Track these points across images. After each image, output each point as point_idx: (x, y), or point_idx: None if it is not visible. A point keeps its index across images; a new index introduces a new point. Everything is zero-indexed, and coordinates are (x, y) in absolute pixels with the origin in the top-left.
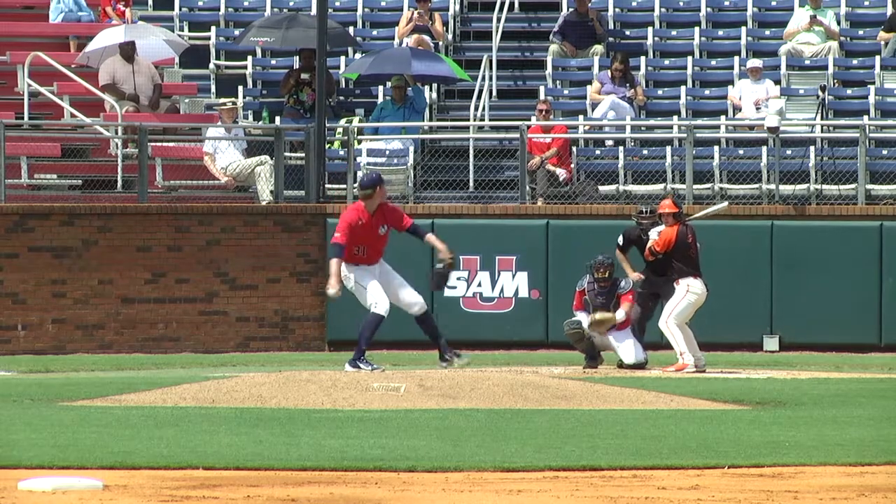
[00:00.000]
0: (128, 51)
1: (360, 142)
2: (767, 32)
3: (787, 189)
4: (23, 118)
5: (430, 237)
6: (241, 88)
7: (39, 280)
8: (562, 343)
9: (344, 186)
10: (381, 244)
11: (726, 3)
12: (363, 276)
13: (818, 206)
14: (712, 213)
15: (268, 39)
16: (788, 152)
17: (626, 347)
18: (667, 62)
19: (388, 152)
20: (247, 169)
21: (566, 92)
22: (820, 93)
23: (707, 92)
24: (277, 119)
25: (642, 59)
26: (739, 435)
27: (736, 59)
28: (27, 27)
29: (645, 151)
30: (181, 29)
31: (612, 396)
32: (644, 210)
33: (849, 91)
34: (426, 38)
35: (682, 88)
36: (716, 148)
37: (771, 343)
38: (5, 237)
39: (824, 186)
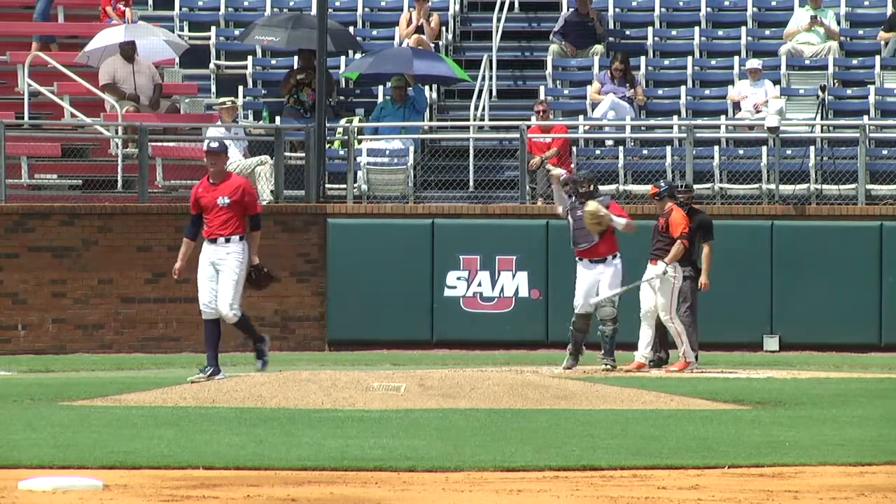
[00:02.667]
0: (128, 51)
1: (360, 142)
2: (767, 32)
3: (787, 189)
4: (23, 118)
5: (253, 236)
6: (241, 88)
7: (39, 280)
8: (562, 343)
9: (344, 186)
10: (220, 217)
11: (726, 3)
12: (200, 263)
13: (818, 206)
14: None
15: (273, 38)
16: (788, 152)
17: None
18: (667, 62)
19: (388, 152)
20: (247, 169)
21: (566, 92)
22: (820, 93)
23: (707, 92)
24: (277, 119)
25: (642, 59)
26: (739, 435)
27: (736, 59)
28: (27, 27)
29: (645, 151)
30: (181, 29)
31: (612, 396)
32: (681, 185)
33: (849, 91)
34: (426, 38)
35: (682, 88)
36: (716, 148)
37: (771, 343)
38: (5, 237)
39: (824, 186)
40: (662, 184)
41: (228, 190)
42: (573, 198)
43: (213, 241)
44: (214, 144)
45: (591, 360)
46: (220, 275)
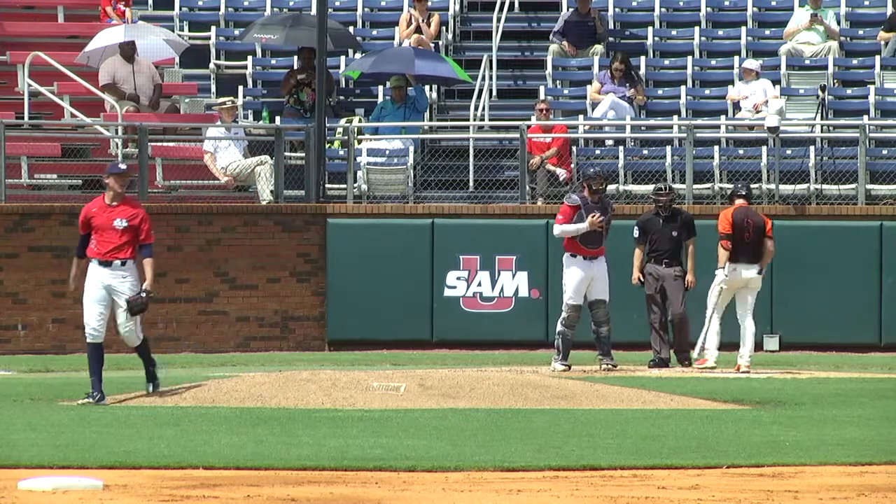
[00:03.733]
0: (128, 51)
1: (360, 142)
2: (767, 32)
3: (787, 189)
4: (23, 118)
5: (146, 262)
6: (241, 88)
7: (39, 280)
8: None
9: (344, 186)
10: (114, 239)
11: (726, 3)
12: (89, 284)
13: (818, 206)
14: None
15: (272, 37)
16: (788, 152)
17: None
18: (667, 62)
19: (388, 152)
20: (247, 169)
21: (566, 92)
22: (820, 93)
23: (707, 92)
24: (277, 119)
25: (642, 58)
26: (739, 435)
27: (736, 59)
28: (27, 27)
29: (645, 151)
30: (181, 29)
31: (612, 396)
32: (662, 188)
33: (849, 91)
34: (425, 38)
35: (682, 88)
36: (716, 148)
37: (771, 343)
38: (5, 237)
39: (824, 186)
40: (738, 186)
41: (127, 214)
42: (586, 198)
43: (108, 263)
44: (123, 166)
45: (591, 361)
46: (118, 299)
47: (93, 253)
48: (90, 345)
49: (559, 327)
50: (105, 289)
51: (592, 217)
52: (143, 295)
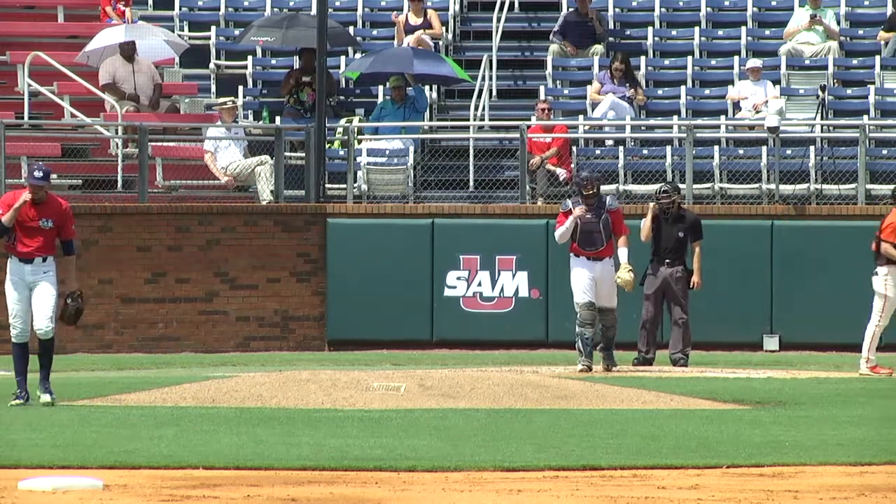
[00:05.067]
0: (128, 51)
1: (360, 142)
2: (767, 32)
3: (787, 189)
4: (23, 118)
5: (69, 261)
6: (241, 88)
7: None
8: (562, 343)
9: (344, 186)
10: (39, 238)
11: (726, 3)
12: (11, 284)
13: (818, 206)
14: None
15: (268, 39)
16: (788, 152)
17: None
18: (667, 62)
19: (388, 152)
20: (247, 169)
21: (566, 92)
22: (820, 93)
23: (707, 92)
24: (277, 119)
25: (642, 58)
26: (739, 435)
27: (736, 59)
28: (27, 27)
29: (645, 151)
30: (181, 29)
31: (611, 396)
32: (665, 190)
33: (849, 91)
34: (426, 38)
35: (682, 88)
36: (716, 148)
37: (771, 343)
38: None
39: (824, 186)
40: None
41: (52, 213)
42: (579, 201)
43: (30, 261)
44: (39, 174)
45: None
46: (37, 290)
47: (14, 250)
48: (15, 345)
49: (576, 329)
50: (28, 286)
51: (580, 210)
52: (70, 301)
